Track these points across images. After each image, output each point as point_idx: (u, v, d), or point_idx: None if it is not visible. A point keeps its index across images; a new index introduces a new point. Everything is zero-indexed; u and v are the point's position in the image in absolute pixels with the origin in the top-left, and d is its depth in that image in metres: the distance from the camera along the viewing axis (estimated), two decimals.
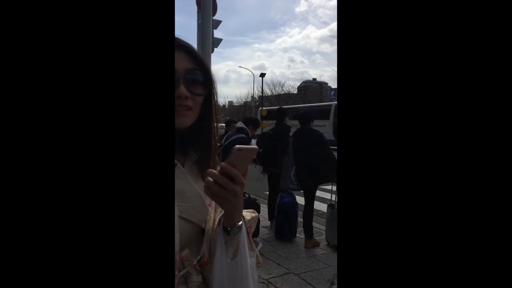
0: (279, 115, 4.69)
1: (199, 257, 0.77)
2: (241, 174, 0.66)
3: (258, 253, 0.84)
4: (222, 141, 4.02)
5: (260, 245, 0.90)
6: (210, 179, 0.64)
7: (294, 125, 4.32)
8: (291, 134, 4.39)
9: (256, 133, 5.04)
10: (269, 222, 4.69)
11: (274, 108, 23.40)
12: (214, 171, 0.65)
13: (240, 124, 4.30)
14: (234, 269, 0.73)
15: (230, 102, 64.45)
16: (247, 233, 0.78)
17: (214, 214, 0.82)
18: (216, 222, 0.80)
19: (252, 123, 4.52)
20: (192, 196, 0.76)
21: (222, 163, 0.66)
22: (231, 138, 3.99)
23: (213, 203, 0.81)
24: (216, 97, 0.82)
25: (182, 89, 0.69)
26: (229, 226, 0.73)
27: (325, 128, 20.59)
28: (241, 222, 0.74)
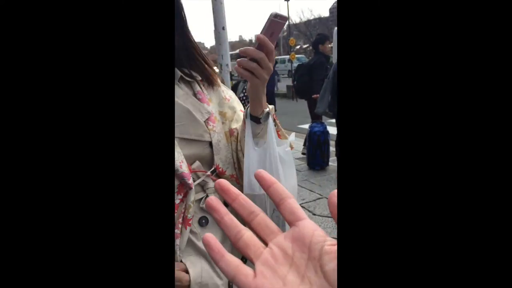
0: (315, 43, 4.44)
1: (213, 168, 0.82)
2: (273, 46, 0.68)
3: (291, 143, 0.87)
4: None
5: (293, 135, 0.91)
6: (243, 59, 0.67)
7: None
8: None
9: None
10: (301, 154, 4.79)
11: None
12: (248, 47, 0.67)
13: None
14: (264, 156, 0.78)
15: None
16: (275, 121, 0.81)
17: (222, 126, 0.84)
18: (228, 134, 0.85)
19: None
20: (181, 115, 0.78)
21: (259, 34, 0.67)
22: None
23: (217, 116, 0.84)
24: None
25: None
26: (258, 114, 0.76)
27: None
28: (267, 108, 0.78)
